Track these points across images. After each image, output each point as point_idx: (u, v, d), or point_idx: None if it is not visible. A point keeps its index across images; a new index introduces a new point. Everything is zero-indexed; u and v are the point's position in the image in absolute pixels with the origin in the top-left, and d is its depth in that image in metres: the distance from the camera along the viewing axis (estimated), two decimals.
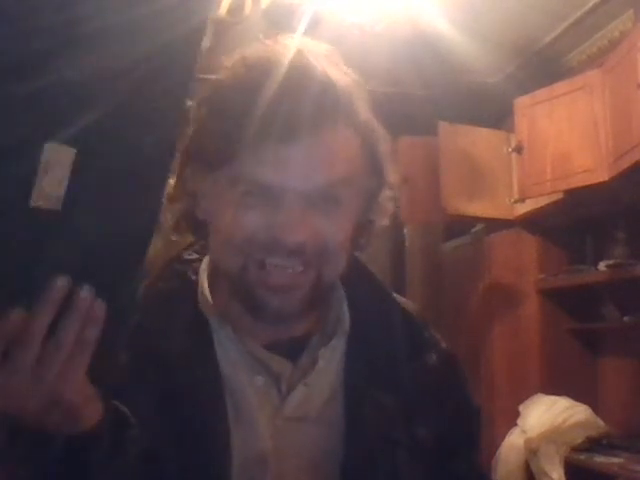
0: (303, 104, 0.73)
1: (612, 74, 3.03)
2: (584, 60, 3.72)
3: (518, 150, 3.54)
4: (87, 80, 0.59)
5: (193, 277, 0.86)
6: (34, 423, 0.63)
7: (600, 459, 3.18)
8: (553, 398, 3.52)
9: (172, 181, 0.80)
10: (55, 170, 0.57)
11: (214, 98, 0.78)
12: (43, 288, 0.60)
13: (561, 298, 3.75)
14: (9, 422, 0.64)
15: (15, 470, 0.67)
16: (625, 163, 2.87)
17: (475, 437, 0.94)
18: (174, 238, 0.87)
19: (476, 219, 3.94)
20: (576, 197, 3.29)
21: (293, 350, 0.83)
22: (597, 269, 3.39)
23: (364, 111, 0.81)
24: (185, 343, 0.79)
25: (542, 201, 3.49)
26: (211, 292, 0.84)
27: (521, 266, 3.88)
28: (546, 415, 3.43)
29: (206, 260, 0.88)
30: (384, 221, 0.86)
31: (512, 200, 3.74)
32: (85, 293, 0.61)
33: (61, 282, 0.59)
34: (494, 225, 3.92)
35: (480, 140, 3.83)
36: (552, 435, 3.35)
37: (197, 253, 0.89)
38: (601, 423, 3.42)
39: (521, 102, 3.50)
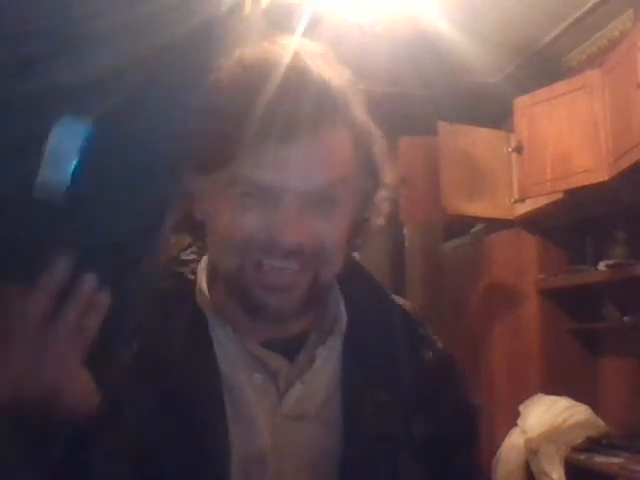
0: (300, 105, 0.74)
1: (612, 74, 3.03)
2: (584, 60, 3.72)
3: (518, 150, 3.54)
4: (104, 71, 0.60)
5: (191, 277, 0.86)
6: (28, 408, 0.64)
7: (600, 459, 3.18)
8: (553, 398, 3.52)
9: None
10: (61, 157, 0.58)
11: (212, 99, 0.78)
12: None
13: (561, 298, 3.75)
14: (9, 418, 0.65)
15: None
16: (625, 163, 2.87)
17: (473, 437, 0.95)
18: (172, 239, 0.88)
19: (476, 219, 3.94)
20: (576, 197, 3.29)
21: (290, 349, 0.83)
22: (597, 269, 3.39)
23: (359, 112, 0.81)
24: (184, 342, 0.80)
25: (542, 201, 3.49)
26: (209, 291, 0.85)
27: (521, 266, 3.88)
28: (546, 415, 3.43)
29: (204, 260, 0.88)
30: (380, 221, 0.86)
31: (512, 200, 3.74)
32: (89, 279, 0.61)
33: (63, 262, 0.60)
34: (494, 225, 3.92)
35: (480, 140, 3.83)
36: (552, 435, 3.35)
37: (195, 254, 0.89)
38: (601, 423, 3.42)
39: (521, 102, 3.50)
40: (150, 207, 0.65)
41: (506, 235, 3.92)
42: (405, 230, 4.78)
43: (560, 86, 3.36)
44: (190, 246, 0.90)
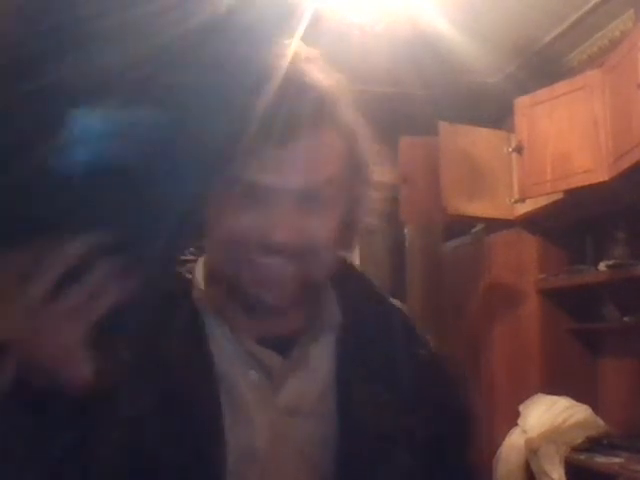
0: (290, 107, 0.76)
1: (612, 74, 3.03)
2: (584, 60, 3.72)
3: (518, 150, 3.55)
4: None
5: (189, 276, 0.88)
6: (29, 373, 0.66)
7: (600, 459, 3.18)
8: (553, 398, 3.52)
9: None
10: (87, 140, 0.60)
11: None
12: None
13: (561, 298, 3.75)
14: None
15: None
16: (625, 163, 2.87)
17: (469, 436, 0.95)
18: None
19: (476, 219, 3.94)
20: (576, 197, 3.29)
21: (284, 346, 0.85)
22: (597, 269, 3.39)
23: (347, 112, 0.83)
24: (182, 341, 0.81)
25: (542, 201, 3.49)
26: (206, 290, 0.87)
27: (521, 266, 3.88)
28: (546, 415, 3.43)
29: (201, 260, 0.90)
30: (371, 221, 0.88)
31: (512, 200, 3.74)
32: (103, 266, 0.63)
33: (77, 245, 0.63)
34: (494, 225, 3.92)
35: (480, 140, 3.83)
36: (552, 435, 3.35)
37: (192, 254, 0.91)
38: (601, 423, 3.42)
39: (521, 102, 3.50)
40: (182, 205, 0.67)
41: (506, 235, 3.92)
42: (405, 230, 4.78)
43: (560, 86, 3.36)
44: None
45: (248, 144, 0.75)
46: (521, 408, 3.60)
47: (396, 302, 0.96)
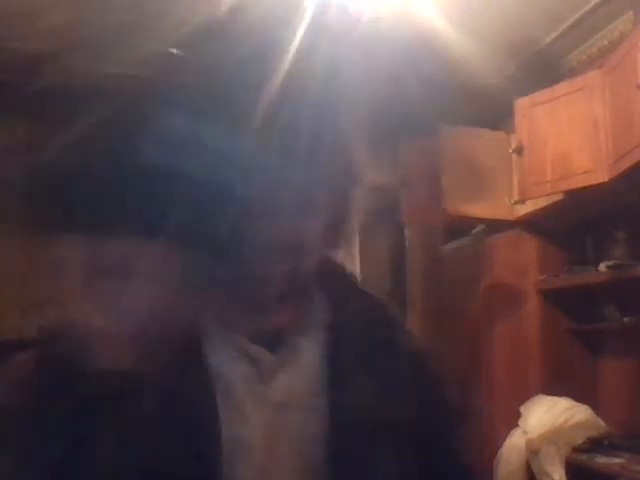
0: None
1: (612, 75, 3.03)
2: (584, 61, 3.72)
3: (518, 151, 3.55)
4: None
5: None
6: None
7: (601, 459, 3.18)
8: (554, 399, 3.52)
9: None
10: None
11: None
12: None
13: (561, 298, 3.76)
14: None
15: None
16: (625, 164, 2.88)
17: (453, 427, 0.97)
18: None
19: (476, 220, 3.94)
20: (576, 198, 3.30)
21: (274, 342, 0.86)
22: (597, 269, 3.39)
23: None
24: (175, 338, 0.82)
25: (542, 202, 3.49)
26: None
27: (521, 267, 3.88)
28: (547, 416, 3.43)
29: None
30: (357, 220, 0.90)
31: (512, 201, 3.74)
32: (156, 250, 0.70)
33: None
34: (494, 226, 3.92)
35: (480, 141, 3.84)
36: (553, 436, 3.35)
37: None
38: (602, 423, 3.42)
39: (521, 103, 3.50)
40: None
41: (506, 236, 3.92)
42: (406, 231, 4.78)
43: (560, 87, 3.36)
44: None
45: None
46: (522, 409, 3.60)
47: (382, 298, 0.98)
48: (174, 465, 0.78)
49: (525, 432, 3.47)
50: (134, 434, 0.77)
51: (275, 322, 0.87)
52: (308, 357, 0.87)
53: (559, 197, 3.37)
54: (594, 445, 3.33)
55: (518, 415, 3.60)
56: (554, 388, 3.59)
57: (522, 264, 3.88)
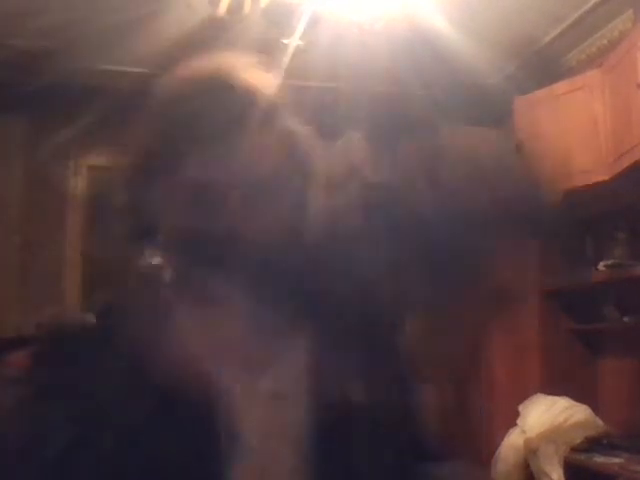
0: (235, 111, 0.84)
1: (612, 74, 3.03)
2: (584, 60, 3.72)
3: (518, 150, 3.54)
4: None
5: (161, 275, 0.92)
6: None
7: (600, 459, 3.18)
8: (553, 398, 3.52)
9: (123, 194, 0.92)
10: None
11: (159, 114, 0.88)
12: None
13: (561, 298, 3.75)
14: None
15: None
16: (625, 163, 2.87)
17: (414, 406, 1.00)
18: (125, 249, 0.97)
19: None
20: (576, 197, 3.29)
21: None
22: (597, 269, 3.38)
23: (285, 114, 0.90)
24: (158, 337, 0.84)
25: None
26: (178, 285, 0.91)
27: (521, 266, 3.87)
28: (546, 415, 3.43)
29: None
30: (310, 218, 0.95)
31: None
32: None
33: None
34: None
35: (480, 140, 3.83)
36: (552, 435, 3.35)
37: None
38: (601, 423, 3.42)
39: (521, 102, 3.50)
40: None
41: None
42: None
43: (560, 86, 3.36)
44: None
45: (192, 148, 0.83)
46: (520, 408, 3.60)
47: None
48: (175, 465, 0.79)
49: (524, 431, 3.47)
50: (134, 433, 0.78)
51: None
52: (292, 349, 0.90)
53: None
54: (593, 445, 3.33)
55: (517, 414, 3.60)
56: (553, 387, 3.58)
57: (522, 263, 3.87)
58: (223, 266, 0.82)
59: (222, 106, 0.84)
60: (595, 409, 3.47)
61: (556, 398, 3.50)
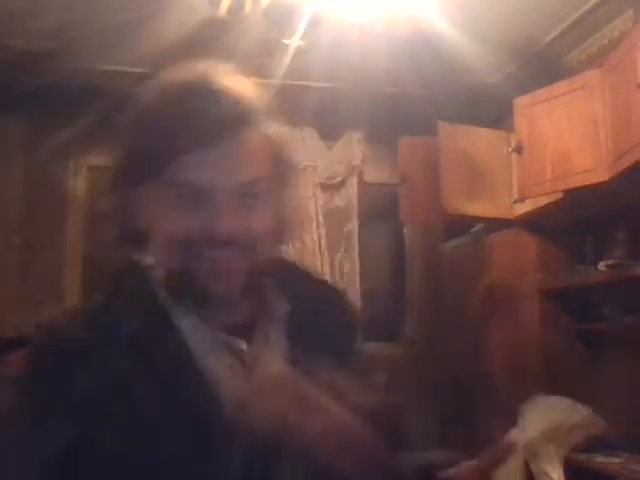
0: (218, 115, 0.86)
1: (612, 74, 3.03)
2: (584, 60, 3.72)
3: (518, 150, 3.54)
4: None
5: (154, 275, 0.93)
6: None
7: (600, 459, 3.18)
8: (553, 398, 3.52)
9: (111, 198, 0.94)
10: None
11: (142, 119, 0.90)
12: None
13: (561, 298, 3.75)
14: None
15: None
16: (625, 163, 2.87)
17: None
18: (116, 252, 0.98)
19: (476, 219, 3.94)
20: (576, 197, 3.29)
21: (241, 333, 0.92)
22: (597, 269, 3.38)
23: (268, 119, 0.92)
24: (156, 335, 0.87)
25: (542, 201, 3.49)
26: (167, 289, 0.93)
27: (521, 266, 3.88)
28: (546, 415, 3.43)
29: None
30: (297, 219, 0.97)
31: (512, 200, 3.74)
32: None
33: None
34: (494, 225, 3.92)
35: (480, 140, 3.83)
36: (552, 435, 3.35)
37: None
38: (601, 423, 3.42)
39: (521, 102, 3.50)
40: None
41: (506, 235, 3.92)
42: (405, 230, 4.78)
43: (560, 86, 3.36)
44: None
45: (178, 150, 0.84)
46: (521, 408, 3.60)
47: (329, 281, 1.05)
48: (177, 463, 0.81)
49: (524, 431, 3.46)
50: (134, 432, 0.79)
51: (239, 314, 0.92)
52: (276, 342, 0.93)
53: (559, 196, 3.36)
54: (593, 445, 3.33)
55: (517, 414, 3.59)
56: (553, 387, 3.58)
57: (522, 263, 3.88)
58: None
59: (205, 110, 0.85)
60: (595, 409, 3.47)
61: (556, 398, 3.50)
